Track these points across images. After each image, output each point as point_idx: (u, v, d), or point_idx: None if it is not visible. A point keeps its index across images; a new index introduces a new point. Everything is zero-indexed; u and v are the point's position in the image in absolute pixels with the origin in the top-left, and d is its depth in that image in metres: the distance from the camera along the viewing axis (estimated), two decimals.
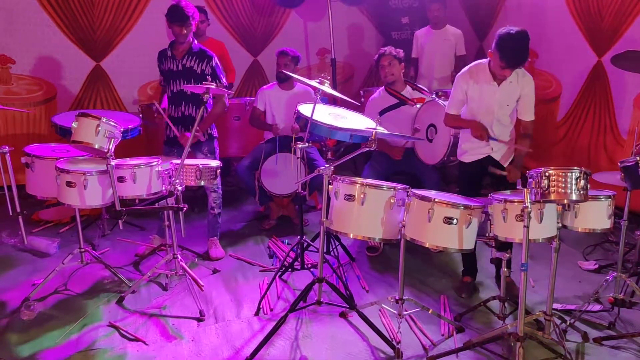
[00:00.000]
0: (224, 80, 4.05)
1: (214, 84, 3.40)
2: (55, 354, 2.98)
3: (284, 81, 4.70)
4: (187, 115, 4.04)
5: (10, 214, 3.73)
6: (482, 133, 3.35)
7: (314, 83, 3.28)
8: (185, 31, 3.87)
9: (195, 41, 4.01)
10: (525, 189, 2.63)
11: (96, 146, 3.14)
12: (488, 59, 3.34)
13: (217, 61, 4.02)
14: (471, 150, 3.53)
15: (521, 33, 3.12)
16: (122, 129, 3.34)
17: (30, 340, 3.10)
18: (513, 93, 3.35)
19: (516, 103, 3.38)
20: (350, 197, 2.97)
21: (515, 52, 3.13)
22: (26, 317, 3.32)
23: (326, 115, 3.39)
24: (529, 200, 2.59)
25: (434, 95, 4.15)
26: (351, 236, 3.02)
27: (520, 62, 3.19)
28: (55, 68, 5.75)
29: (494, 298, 3.23)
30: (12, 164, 3.74)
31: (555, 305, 3.20)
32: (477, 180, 3.59)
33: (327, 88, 3.26)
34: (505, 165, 3.44)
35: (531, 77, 3.35)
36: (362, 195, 2.93)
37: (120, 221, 3.42)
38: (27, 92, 5.73)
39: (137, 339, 3.10)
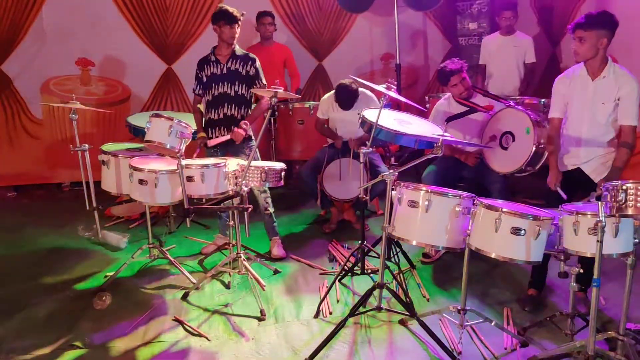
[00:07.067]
0: (264, 80, 4.19)
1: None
2: (125, 343, 3.11)
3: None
4: (230, 115, 4.16)
5: (87, 208, 3.95)
6: (551, 181, 3.32)
7: (381, 88, 3.27)
8: (235, 32, 4.02)
9: (237, 45, 4.15)
10: (599, 202, 2.52)
11: (168, 146, 3.26)
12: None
13: (259, 63, 4.18)
14: (559, 159, 3.40)
15: None
16: (192, 130, 3.46)
17: (102, 330, 3.25)
18: (608, 90, 3.19)
19: (614, 104, 3.20)
20: (414, 204, 2.95)
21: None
22: (99, 307, 3.50)
23: (391, 120, 3.38)
24: (603, 215, 2.48)
25: (511, 102, 4.02)
26: (414, 243, 2.99)
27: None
28: (130, 70, 6.05)
29: (561, 313, 3.11)
30: (90, 161, 3.96)
31: (628, 325, 3.04)
32: (563, 191, 3.38)
33: (393, 93, 3.25)
34: (597, 181, 3.26)
35: (633, 78, 3.16)
36: (426, 202, 2.89)
37: (187, 219, 3.54)
38: (104, 93, 6.05)
39: (200, 335, 3.19)
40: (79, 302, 3.58)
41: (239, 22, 4.02)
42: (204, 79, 4.15)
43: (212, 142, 4.02)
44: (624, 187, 2.50)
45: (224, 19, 3.98)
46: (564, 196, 3.28)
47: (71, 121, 3.98)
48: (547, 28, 6.20)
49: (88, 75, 5.96)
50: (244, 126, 4.02)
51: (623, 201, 2.50)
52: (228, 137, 4.04)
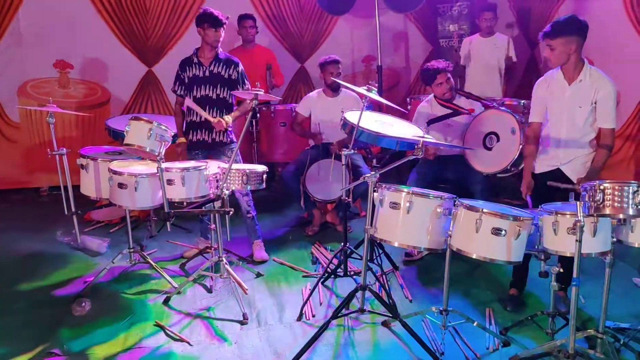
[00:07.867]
0: (248, 85, 4.17)
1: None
2: (105, 350, 3.07)
3: (336, 90, 4.73)
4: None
5: (66, 213, 3.88)
6: (524, 190, 3.39)
7: (361, 90, 3.27)
8: (220, 36, 4.01)
9: (221, 49, 4.13)
10: (577, 202, 2.55)
11: (147, 149, 3.23)
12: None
13: (242, 67, 4.17)
14: (539, 161, 3.43)
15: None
16: (172, 133, 3.43)
17: (82, 336, 3.20)
18: (585, 94, 3.20)
19: (592, 107, 3.21)
20: (395, 205, 2.95)
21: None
22: (78, 313, 3.44)
23: (372, 122, 3.38)
24: (581, 214, 2.51)
25: (495, 104, 4.06)
26: (396, 244, 2.99)
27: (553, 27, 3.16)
28: (109, 73, 5.98)
29: (542, 313, 3.14)
30: (68, 165, 3.91)
31: (607, 323, 3.07)
32: (543, 193, 3.35)
33: (374, 95, 3.25)
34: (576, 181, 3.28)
35: (609, 81, 3.18)
36: (407, 204, 2.90)
37: (168, 223, 3.50)
38: (84, 96, 5.98)
39: (181, 339, 3.16)
40: (57, 309, 3.52)
41: (224, 26, 4.00)
42: (186, 79, 4.11)
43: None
44: (602, 187, 2.53)
45: (208, 21, 3.95)
46: (530, 204, 3.34)
47: (49, 124, 3.92)
48: (526, 30, 6.27)
49: (66, 78, 5.88)
50: (227, 119, 4.01)
51: (601, 201, 2.53)
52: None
